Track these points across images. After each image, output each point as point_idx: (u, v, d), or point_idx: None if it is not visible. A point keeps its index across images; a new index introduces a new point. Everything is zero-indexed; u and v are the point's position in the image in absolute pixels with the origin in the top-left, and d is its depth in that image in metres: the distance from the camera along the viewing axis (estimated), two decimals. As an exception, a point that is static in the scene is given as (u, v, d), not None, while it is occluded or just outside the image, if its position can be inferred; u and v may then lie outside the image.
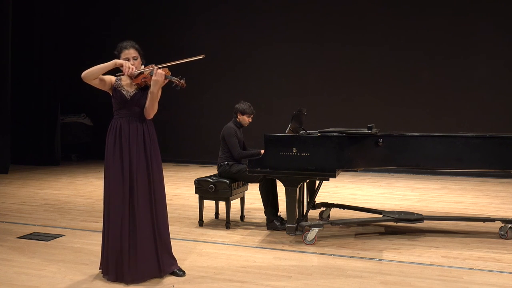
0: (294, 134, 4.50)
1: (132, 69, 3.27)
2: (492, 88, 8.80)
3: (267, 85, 9.86)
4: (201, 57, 3.33)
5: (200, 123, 10.24)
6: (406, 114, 9.04)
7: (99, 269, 3.49)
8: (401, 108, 9.13)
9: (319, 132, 4.42)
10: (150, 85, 3.33)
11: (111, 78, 3.37)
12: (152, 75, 3.31)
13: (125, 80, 3.37)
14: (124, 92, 3.34)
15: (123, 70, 3.28)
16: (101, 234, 3.44)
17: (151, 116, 3.41)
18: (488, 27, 8.79)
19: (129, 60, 3.33)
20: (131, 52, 3.35)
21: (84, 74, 3.21)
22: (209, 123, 9.88)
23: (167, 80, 3.32)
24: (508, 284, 3.39)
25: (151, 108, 3.35)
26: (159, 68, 3.33)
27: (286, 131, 4.65)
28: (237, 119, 5.06)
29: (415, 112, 9.03)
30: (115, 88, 3.34)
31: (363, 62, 9.39)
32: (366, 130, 4.29)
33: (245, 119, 5.05)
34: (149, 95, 3.33)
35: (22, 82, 9.69)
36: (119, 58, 3.35)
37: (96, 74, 3.22)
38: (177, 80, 3.33)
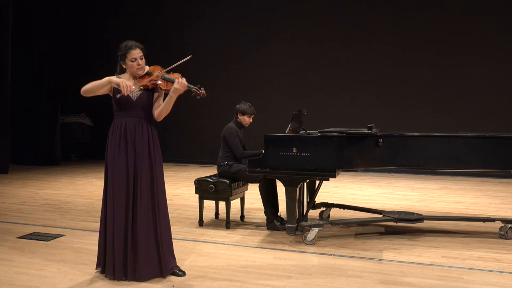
0: (294, 134, 4.50)
1: (130, 87, 3.21)
2: (492, 88, 8.79)
3: (267, 85, 9.85)
4: (189, 57, 3.36)
5: (200, 123, 10.24)
6: (406, 114, 9.04)
7: (96, 269, 3.49)
8: (401, 108, 9.13)
9: (319, 132, 4.42)
10: (159, 87, 3.33)
11: (111, 80, 3.32)
12: (165, 79, 3.32)
13: (126, 80, 3.34)
14: (130, 94, 3.30)
15: (122, 91, 3.19)
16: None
17: (161, 119, 3.40)
18: (489, 27, 8.78)
19: (136, 60, 3.30)
20: (138, 52, 3.32)
21: (82, 91, 3.24)
22: (209, 123, 9.88)
23: (187, 88, 3.32)
24: (508, 284, 3.39)
25: (166, 111, 3.36)
26: (164, 71, 3.34)
27: (286, 131, 4.65)
28: (238, 119, 5.06)
29: (415, 112, 9.02)
30: (118, 90, 3.27)
31: (363, 62, 9.38)
32: (366, 130, 4.29)
33: (246, 120, 5.05)
34: (167, 99, 3.31)
35: (22, 82, 9.67)
36: (124, 60, 3.32)
37: (93, 92, 3.25)
38: (196, 89, 3.33)
